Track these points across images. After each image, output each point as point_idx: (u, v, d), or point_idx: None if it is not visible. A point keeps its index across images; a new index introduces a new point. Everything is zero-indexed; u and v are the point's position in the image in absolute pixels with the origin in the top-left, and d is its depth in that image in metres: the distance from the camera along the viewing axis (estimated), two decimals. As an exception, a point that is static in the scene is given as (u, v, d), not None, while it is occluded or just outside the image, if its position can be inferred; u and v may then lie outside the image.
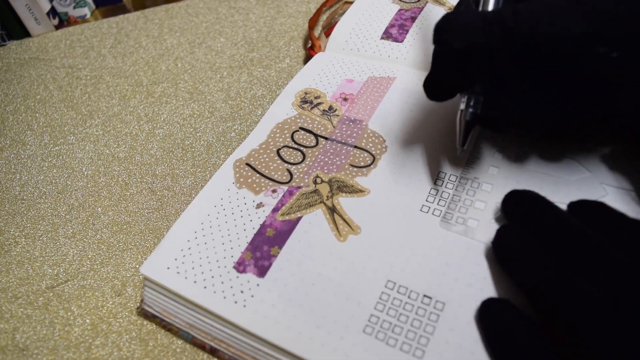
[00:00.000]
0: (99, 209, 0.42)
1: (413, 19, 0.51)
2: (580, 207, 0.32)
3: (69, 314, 0.36)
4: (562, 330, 0.27)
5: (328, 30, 0.54)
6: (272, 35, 0.57)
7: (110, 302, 0.36)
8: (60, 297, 0.37)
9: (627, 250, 0.27)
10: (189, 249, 0.34)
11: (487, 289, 0.31)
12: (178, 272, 0.32)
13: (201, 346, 0.33)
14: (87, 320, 0.35)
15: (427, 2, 0.53)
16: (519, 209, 0.33)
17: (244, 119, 0.48)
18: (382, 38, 0.50)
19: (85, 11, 0.64)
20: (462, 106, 0.34)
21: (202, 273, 0.32)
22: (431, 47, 0.48)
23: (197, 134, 0.47)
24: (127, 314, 0.35)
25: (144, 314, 0.35)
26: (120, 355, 0.33)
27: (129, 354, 0.33)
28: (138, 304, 0.36)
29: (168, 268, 0.33)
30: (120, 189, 0.44)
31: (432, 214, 0.35)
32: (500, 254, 0.32)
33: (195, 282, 0.32)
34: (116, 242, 0.40)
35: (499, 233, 0.32)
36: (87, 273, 0.38)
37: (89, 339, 0.34)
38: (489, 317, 0.30)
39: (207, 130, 0.48)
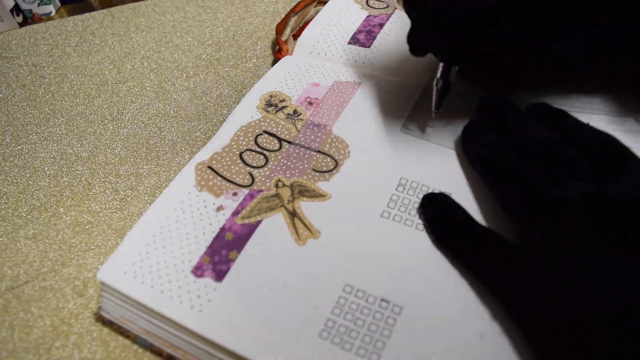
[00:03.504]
0: (61, 209, 0.42)
1: (381, 25, 0.52)
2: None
3: (28, 315, 0.36)
4: (515, 216, 0.33)
5: (297, 32, 0.54)
6: (239, 35, 0.57)
7: (72, 303, 0.36)
8: (20, 298, 0.36)
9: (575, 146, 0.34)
10: (147, 253, 0.33)
11: (444, 293, 0.31)
12: (135, 277, 0.32)
13: (158, 353, 0.33)
14: (48, 322, 0.35)
15: (395, 9, 0.54)
16: (489, 110, 0.39)
17: (209, 118, 0.48)
18: (349, 43, 0.50)
19: (50, 9, 0.63)
20: (438, 75, 0.38)
21: (160, 278, 0.32)
22: (399, 54, 0.49)
23: (162, 134, 0.47)
24: (88, 314, 0.35)
25: (101, 320, 0.35)
26: (81, 356, 0.33)
27: (90, 355, 0.33)
28: (98, 307, 0.36)
29: (125, 273, 0.33)
30: (83, 188, 0.43)
31: (393, 219, 0.35)
32: (467, 145, 0.38)
33: (152, 286, 0.32)
34: (78, 243, 0.40)
35: (466, 127, 0.39)
36: (48, 274, 0.38)
37: (49, 340, 0.34)
38: (429, 208, 0.35)
39: (172, 129, 0.48)
